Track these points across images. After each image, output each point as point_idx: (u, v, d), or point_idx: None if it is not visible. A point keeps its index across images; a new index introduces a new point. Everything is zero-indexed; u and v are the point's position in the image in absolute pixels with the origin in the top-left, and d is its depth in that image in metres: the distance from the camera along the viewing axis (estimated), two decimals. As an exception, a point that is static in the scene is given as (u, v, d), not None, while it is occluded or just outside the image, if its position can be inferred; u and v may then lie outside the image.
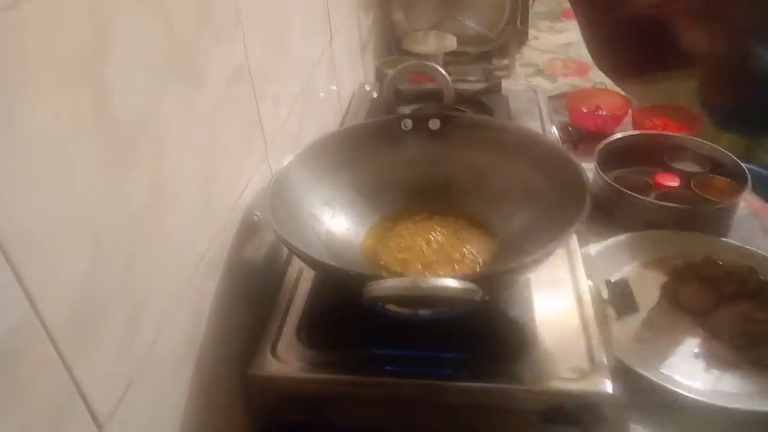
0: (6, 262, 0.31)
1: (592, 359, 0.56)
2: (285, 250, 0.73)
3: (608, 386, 0.53)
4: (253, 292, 0.66)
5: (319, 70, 0.94)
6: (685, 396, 0.64)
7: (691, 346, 0.71)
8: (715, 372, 0.68)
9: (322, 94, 0.96)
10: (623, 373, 0.63)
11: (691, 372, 0.68)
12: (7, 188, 0.31)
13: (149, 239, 0.45)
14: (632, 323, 0.72)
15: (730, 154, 0.97)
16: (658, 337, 0.72)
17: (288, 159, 0.68)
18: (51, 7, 0.34)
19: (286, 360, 0.58)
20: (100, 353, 0.39)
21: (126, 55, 0.41)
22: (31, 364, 0.33)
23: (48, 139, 0.34)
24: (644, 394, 0.65)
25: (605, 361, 0.55)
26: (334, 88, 1.04)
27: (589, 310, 0.61)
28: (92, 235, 0.38)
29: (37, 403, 0.34)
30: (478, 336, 0.58)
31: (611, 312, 0.66)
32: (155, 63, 0.46)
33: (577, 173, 0.63)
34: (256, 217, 0.66)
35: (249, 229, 0.65)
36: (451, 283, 0.49)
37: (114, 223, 0.41)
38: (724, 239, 0.86)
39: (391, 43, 1.49)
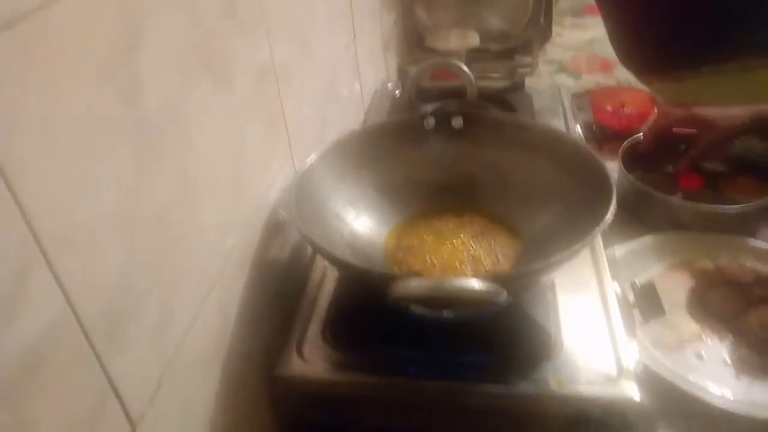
0: (43, 258, 0.32)
1: (618, 365, 0.55)
2: (309, 250, 0.74)
3: (636, 393, 0.52)
4: (279, 290, 0.66)
5: (342, 68, 0.94)
6: (715, 405, 0.63)
7: (719, 352, 0.70)
8: (746, 380, 0.67)
9: (345, 93, 0.96)
10: (650, 380, 0.62)
11: (720, 379, 0.67)
12: (42, 186, 0.32)
13: (178, 234, 0.46)
14: (658, 327, 0.71)
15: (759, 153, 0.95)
16: (685, 343, 0.71)
17: (311, 157, 0.68)
18: (84, 5, 0.35)
19: (311, 360, 0.58)
20: (133, 350, 0.40)
21: (155, 52, 0.42)
22: (67, 360, 0.34)
23: (81, 135, 0.35)
24: (672, 402, 0.64)
25: (632, 366, 0.55)
26: (357, 86, 1.04)
27: (615, 314, 0.60)
28: (124, 230, 0.39)
29: (72, 400, 0.35)
30: (503, 339, 0.57)
31: (637, 316, 0.65)
32: (183, 59, 0.46)
33: (602, 172, 0.62)
34: (281, 216, 0.66)
35: (274, 227, 0.65)
36: (475, 283, 0.48)
37: (145, 219, 0.41)
38: (752, 241, 0.85)
39: (414, 41, 1.48)
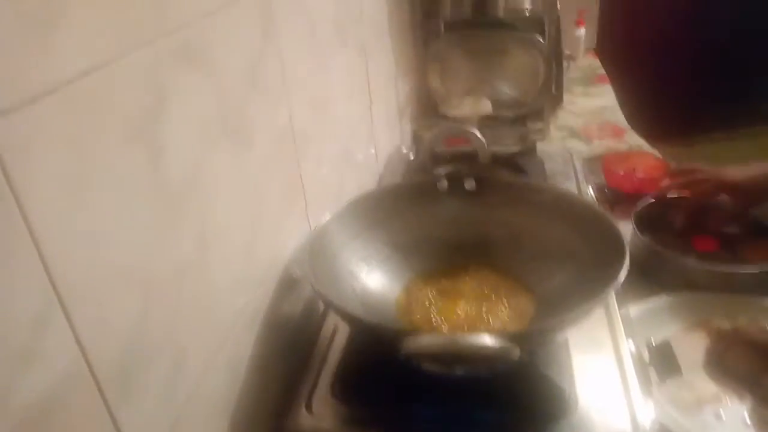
0: (61, 309, 0.33)
1: (634, 424, 0.54)
2: (321, 305, 0.74)
3: (652, 452, 0.51)
4: (289, 346, 0.66)
5: (359, 133, 0.97)
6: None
7: (739, 412, 0.68)
8: (767, 441, 0.65)
9: (360, 156, 0.99)
10: (667, 440, 0.60)
11: (740, 440, 0.65)
12: (64, 239, 0.33)
13: (193, 292, 0.47)
14: (675, 387, 0.70)
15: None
16: (703, 403, 0.69)
17: (326, 216, 0.69)
18: (113, 74, 0.37)
19: (321, 415, 0.58)
20: (143, 402, 0.40)
21: (178, 117, 0.44)
22: (79, 411, 0.35)
23: (105, 193, 0.37)
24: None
25: (648, 425, 0.54)
26: (373, 150, 1.07)
27: (630, 372, 0.60)
28: (141, 286, 0.40)
29: (82, 451, 0.35)
30: (516, 397, 0.57)
31: (653, 375, 0.64)
32: (205, 124, 0.49)
33: (614, 232, 0.63)
34: (295, 273, 0.67)
35: (288, 284, 0.66)
36: (488, 340, 0.48)
37: (161, 275, 0.42)
38: (769, 302, 0.83)
39: (428, 108, 1.53)
